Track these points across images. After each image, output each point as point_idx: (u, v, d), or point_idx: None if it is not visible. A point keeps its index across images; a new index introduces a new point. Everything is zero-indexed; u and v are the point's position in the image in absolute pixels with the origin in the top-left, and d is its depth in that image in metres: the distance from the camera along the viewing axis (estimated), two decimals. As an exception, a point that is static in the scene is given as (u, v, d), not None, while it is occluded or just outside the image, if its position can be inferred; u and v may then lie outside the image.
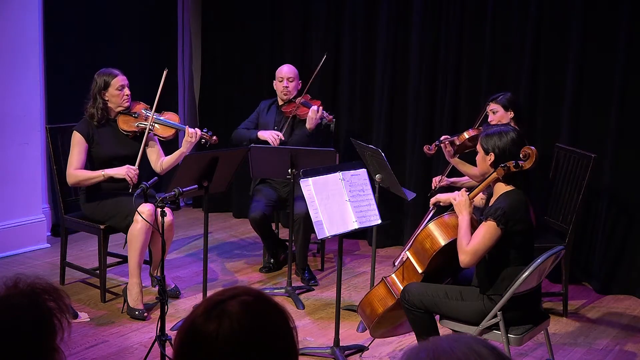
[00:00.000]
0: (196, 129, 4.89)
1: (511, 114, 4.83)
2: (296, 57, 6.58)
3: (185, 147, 4.87)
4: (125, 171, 4.74)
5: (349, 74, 6.35)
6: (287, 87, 5.54)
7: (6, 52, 5.62)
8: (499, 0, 5.66)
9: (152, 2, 7.04)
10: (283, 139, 5.44)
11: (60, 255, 5.14)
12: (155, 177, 4.51)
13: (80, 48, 6.38)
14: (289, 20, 6.67)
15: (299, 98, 5.54)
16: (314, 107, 5.38)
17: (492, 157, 3.57)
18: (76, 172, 4.79)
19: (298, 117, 5.50)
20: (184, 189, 3.95)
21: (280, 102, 5.62)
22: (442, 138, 4.94)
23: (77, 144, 4.81)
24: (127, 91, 4.85)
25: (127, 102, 4.87)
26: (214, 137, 4.91)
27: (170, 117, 4.99)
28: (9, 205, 5.72)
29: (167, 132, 4.92)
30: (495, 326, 3.54)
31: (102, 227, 4.82)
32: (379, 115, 6.24)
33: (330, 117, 5.44)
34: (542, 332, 3.83)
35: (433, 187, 5.00)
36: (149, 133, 4.87)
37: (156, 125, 4.90)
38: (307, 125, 5.39)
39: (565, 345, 4.50)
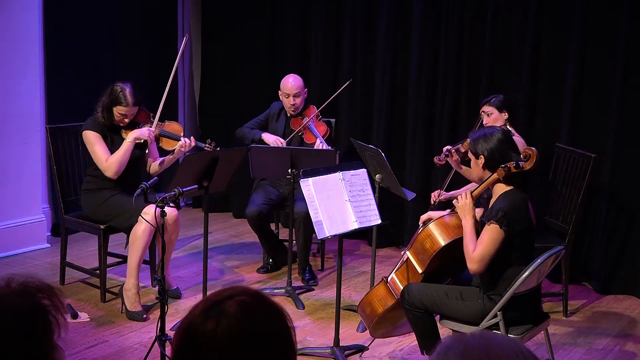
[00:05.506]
0: (192, 139, 4.87)
1: (505, 115, 4.85)
2: (296, 58, 6.59)
3: (177, 154, 4.89)
4: (147, 133, 4.81)
5: (349, 73, 6.35)
6: (294, 104, 5.43)
7: (6, 52, 5.62)
8: (499, 0, 5.66)
9: (152, 3, 7.04)
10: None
11: (60, 255, 5.13)
12: (155, 177, 4.51)
13: (81, 48, 6.38)
14: (289, 20, 6.67)
15: (307, 119, 5.41)
16: (319, 143, 5.25)
17: (482, 160, 3.60)
18: (110, 160, 4.76)
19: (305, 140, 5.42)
20: (184, 189, 3.94)
21: (289, 114, 5.53)
22: (446, 148, 4.78)
23: (96, 141, 4.77)
24: (127, 119, 4.80)
25: (125, 124, 4.83)
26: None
27: (174, 128, 4.97)
28: (9, 205, 5.72)
29: (171, 145, 4.92)
30: (495, 326, 3.54)
31: (102, 227, 4.82)
32: (379, 115, 6.23)
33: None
34: (542, 332, 3.83)
35: (432, 202, 4.79)
36: (151, 143, 4.89)
37: (162, 138, 4.92)
38: None
39: (565, 345, 4.50)
